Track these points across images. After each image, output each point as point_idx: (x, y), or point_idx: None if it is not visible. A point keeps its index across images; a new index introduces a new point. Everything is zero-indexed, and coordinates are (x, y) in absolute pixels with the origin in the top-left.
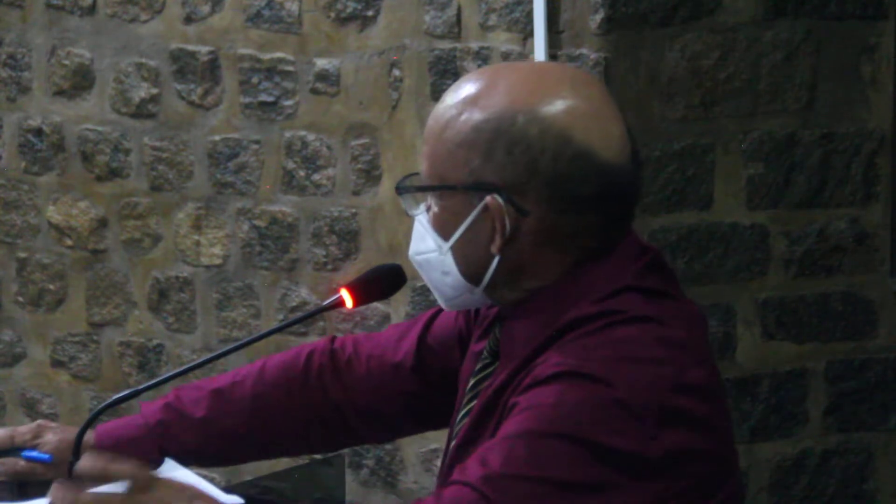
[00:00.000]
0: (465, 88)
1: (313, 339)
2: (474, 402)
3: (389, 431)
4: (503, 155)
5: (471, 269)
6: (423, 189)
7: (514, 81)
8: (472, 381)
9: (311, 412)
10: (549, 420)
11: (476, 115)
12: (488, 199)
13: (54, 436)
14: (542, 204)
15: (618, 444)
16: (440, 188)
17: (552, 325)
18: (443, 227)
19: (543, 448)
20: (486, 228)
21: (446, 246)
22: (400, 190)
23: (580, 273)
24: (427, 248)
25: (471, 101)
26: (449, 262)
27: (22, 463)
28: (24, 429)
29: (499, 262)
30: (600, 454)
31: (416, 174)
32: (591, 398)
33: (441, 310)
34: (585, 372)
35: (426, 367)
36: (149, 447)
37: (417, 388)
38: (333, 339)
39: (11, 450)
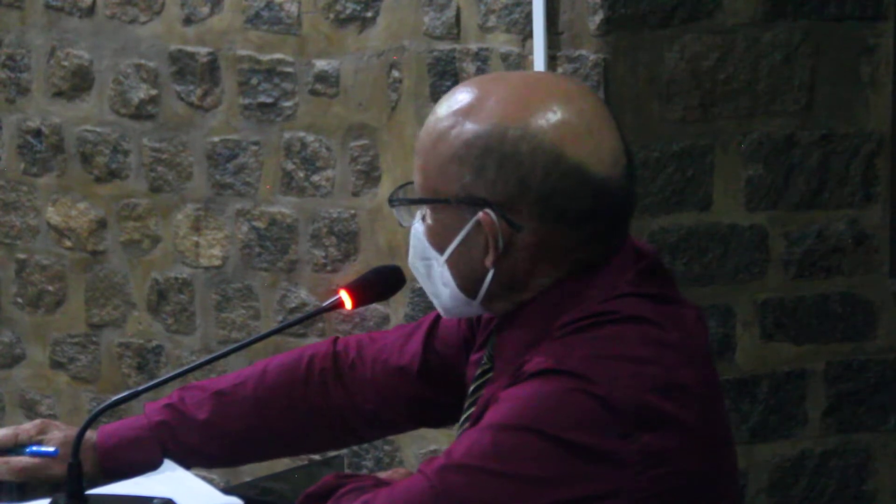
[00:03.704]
0: (457, 100)
1: (313, 341)
2: (472, 409)
3: (390, 431)
4: (494, 171)
5: (466, 282)
6: (416, 202)
7: (505, 94)
8: (471, 388)
9: (312, 415)
10: (517, 414)
11: (467, 130)
12: (480, 214)
13: (59, 432)
14: (534, 219)
15: (586, 440)
16: (433, 201)
17: (544, 332)
18: (438, 240)
19: (506, 440)
20: (479, 242)
21: (441, 259)
22: (393, 202)
23: (574, 283)
24: (425, 258)
25: (462, 114)
26: (446, 274)
27: (26, 460)
28: (28, 426)
29: (493, 276)
30: (566, 449)
31: (410, 184)
32: (566, 393)
33: None
34: (564, 368)
35: (432, 371)
36: (151, 447)
37: (423, 391)
38: (336, 340)
39: (14, 448)
